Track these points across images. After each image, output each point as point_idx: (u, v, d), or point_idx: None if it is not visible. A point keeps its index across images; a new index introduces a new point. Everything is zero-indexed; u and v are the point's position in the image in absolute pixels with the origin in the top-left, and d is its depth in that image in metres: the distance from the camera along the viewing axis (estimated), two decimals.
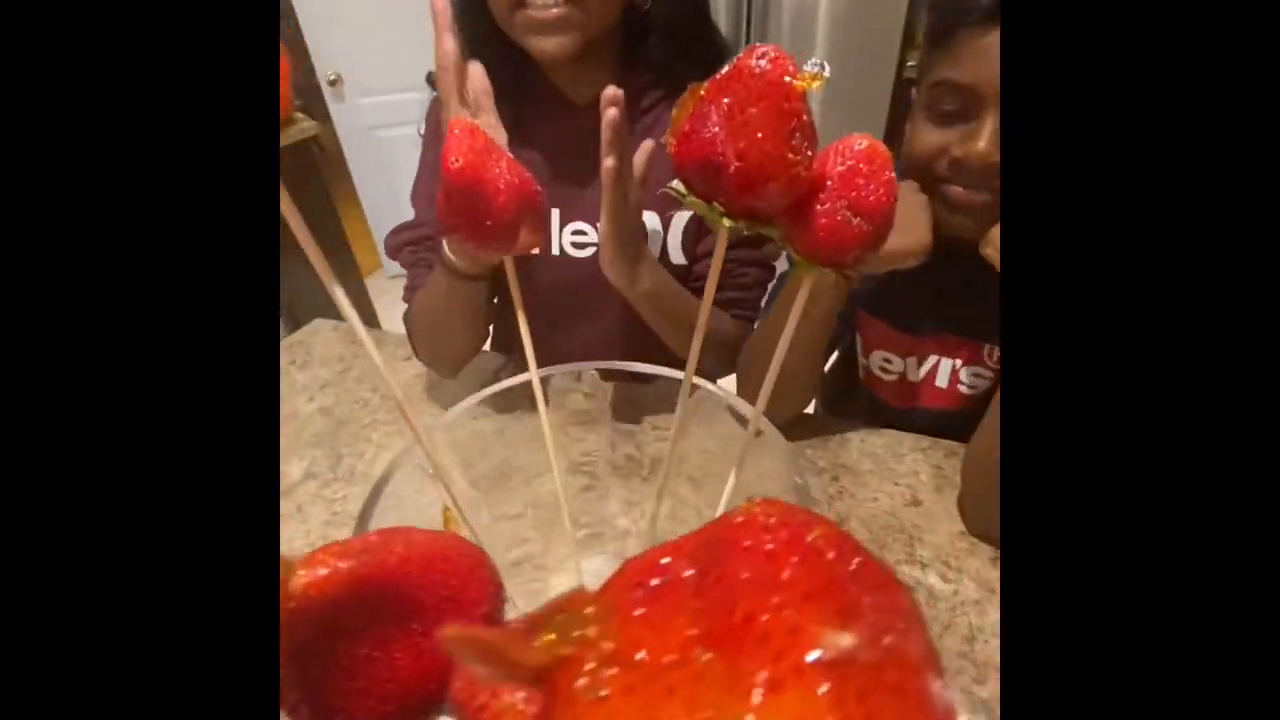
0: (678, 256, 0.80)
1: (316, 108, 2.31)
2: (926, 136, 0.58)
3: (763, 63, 0.22)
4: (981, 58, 0.51)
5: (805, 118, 0.23)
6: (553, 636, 0.10)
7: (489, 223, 0.29)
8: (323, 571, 0.16)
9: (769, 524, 0.11)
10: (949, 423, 0.76)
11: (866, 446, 0.75)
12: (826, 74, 0.22)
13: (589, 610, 0.10)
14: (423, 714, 0.19)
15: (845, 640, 0.09)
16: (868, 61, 1.75)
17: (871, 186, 0.24)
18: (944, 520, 0.66)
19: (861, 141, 0.24)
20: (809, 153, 0.23)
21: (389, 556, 0.17)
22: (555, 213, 0.79)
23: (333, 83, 2.15)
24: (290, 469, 0.79)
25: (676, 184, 0.25)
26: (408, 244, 0.82)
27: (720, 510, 0.29)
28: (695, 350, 0.30)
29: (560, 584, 0.45)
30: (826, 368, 0.86)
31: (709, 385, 0.33)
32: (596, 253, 0.79)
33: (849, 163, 0.24)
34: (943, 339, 0.74)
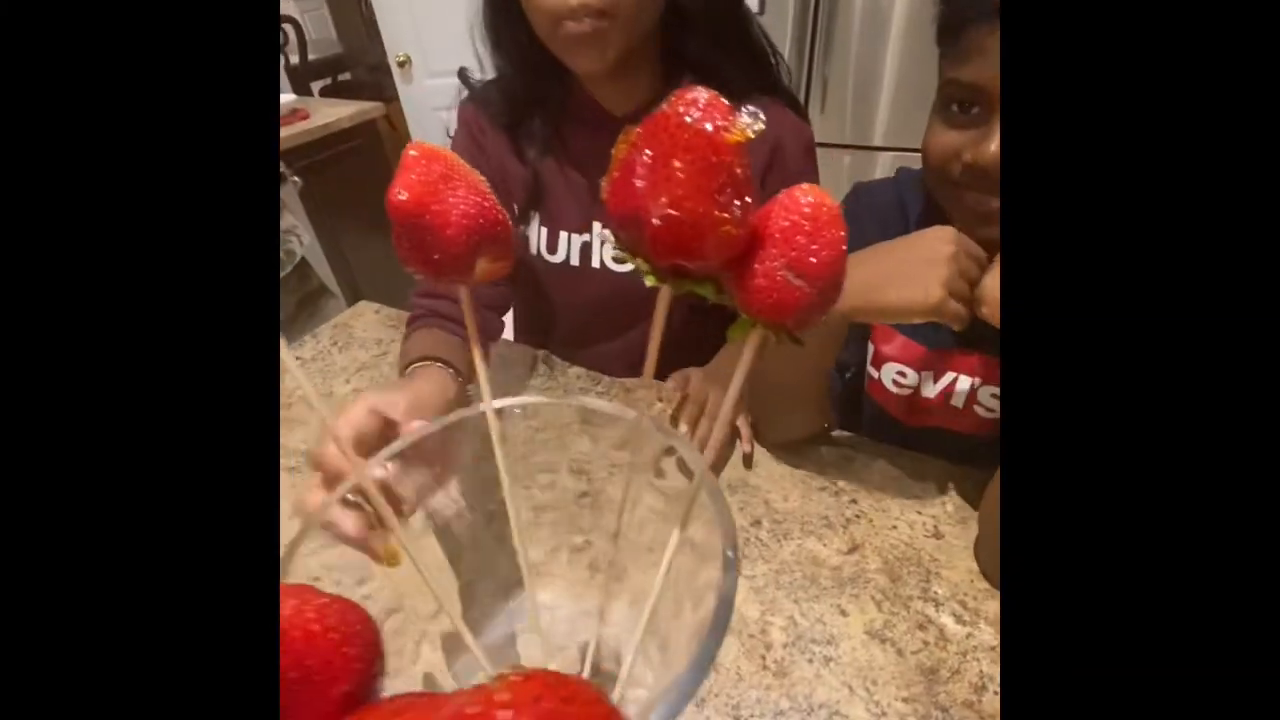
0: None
1: (387, 88, 2.37)
2: (939, 138, 0.54)
3: (692, 111, 0.20)
4: (990, 56, 0.47)
5: (738, 170, 0.20)
6: None
7: (437, 256, 0.28)
8: None
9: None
10: (964, 447, 0.72)
11: (892, 469, 0.71)
12: (762, 124, 0.20)
13: None
14: None
15: None
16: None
17: (815, 247, 0.21)
18: (965, 557, 0.62)
19: (807, 196, 0.21)
20: (741, 209, 0.21)
21: None
22: (597, 226, 0.79)
23: (402, 64, 2.20)
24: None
25: (608, 233, 0.23)
26: (423, 309, 0.77)
27: (662, 570, 0.28)
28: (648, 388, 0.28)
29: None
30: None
31: (657, 430, 0.31)
32: (635, 269, 0.78)
33: (791, 219, 0.21)
34: (962, 354, 0.69)
